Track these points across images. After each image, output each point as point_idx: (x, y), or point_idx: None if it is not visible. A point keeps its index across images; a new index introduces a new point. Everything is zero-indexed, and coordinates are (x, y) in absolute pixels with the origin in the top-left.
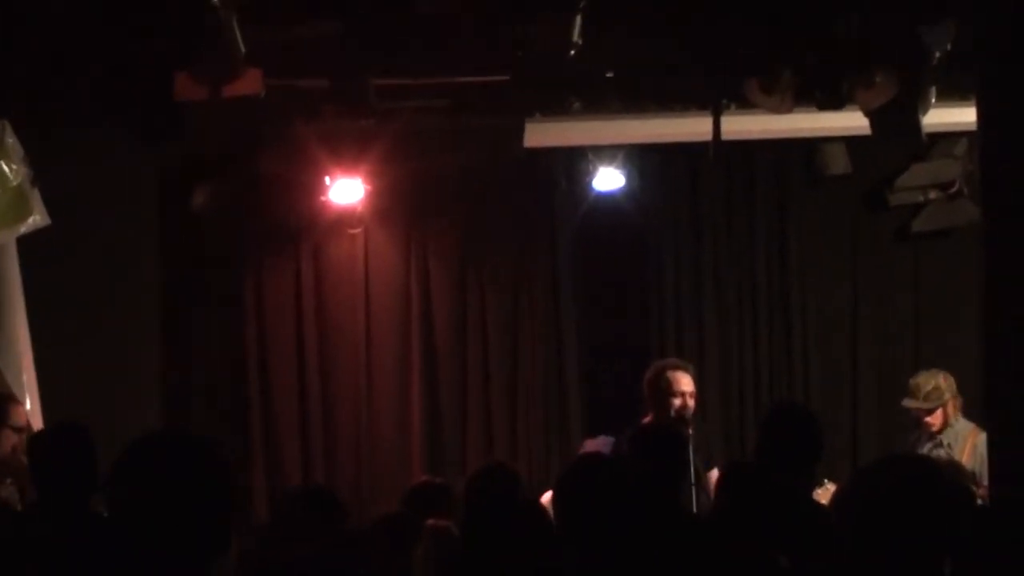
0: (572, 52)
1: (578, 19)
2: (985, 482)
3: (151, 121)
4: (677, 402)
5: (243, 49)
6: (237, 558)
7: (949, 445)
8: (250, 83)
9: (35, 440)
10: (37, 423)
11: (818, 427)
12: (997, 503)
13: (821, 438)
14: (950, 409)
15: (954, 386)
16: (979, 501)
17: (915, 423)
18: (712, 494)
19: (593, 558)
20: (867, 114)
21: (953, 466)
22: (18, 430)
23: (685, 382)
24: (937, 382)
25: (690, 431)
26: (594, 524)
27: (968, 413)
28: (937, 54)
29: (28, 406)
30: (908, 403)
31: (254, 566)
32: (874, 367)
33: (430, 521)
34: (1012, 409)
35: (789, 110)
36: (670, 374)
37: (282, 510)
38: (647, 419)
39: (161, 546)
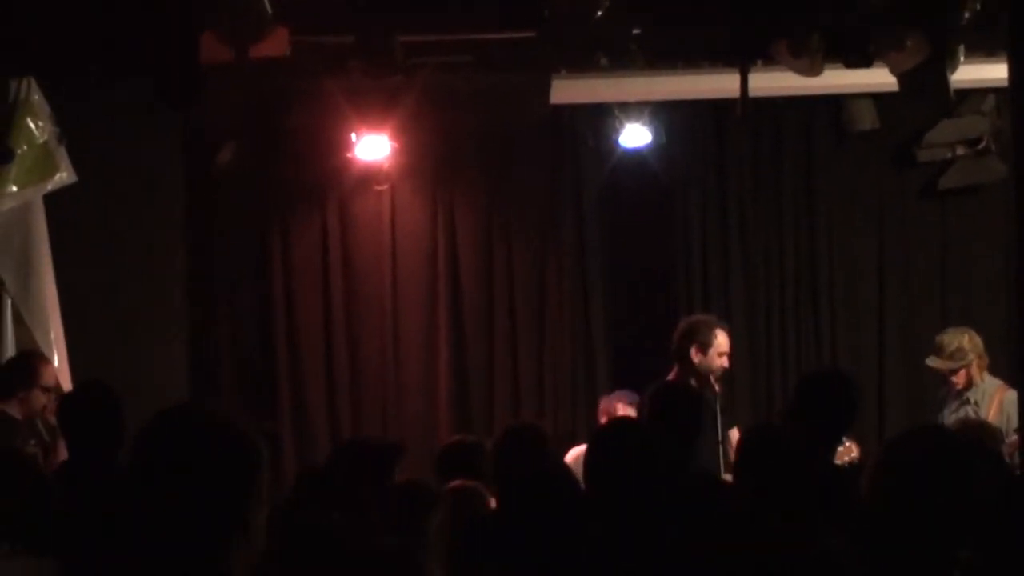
0: (599, 11)
1: None
2: (1012, 437)
3: (176, 82)
4: (721, 362)
5: (269, 11)
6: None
7: (976, 403)
8: (277, 44)
9: (64, 401)
10: (65, 381)
11: (856, 392)
12: None
13: (857, 403)
14: (974, 369)
15: (980, 345)
16: (1006, 457)
17: (943, 380)
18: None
19: (620, 522)
20: (896, 75)
21: (981, 429)
22: (47, 390)
23: (725, 342)
24: (961, 341)
25: (717, 390)
26: (623, 490)
27: (995, 370)
28: (967, 14)
29: (56, 364)
30: (932, 362)
31: (284, 523)
32: (901, 324)
33: (455, 483)
34: None
35: (819, 73)
36: (720, 333)
37: (332, 463)
38: (672, 375)
39: (182, 521)
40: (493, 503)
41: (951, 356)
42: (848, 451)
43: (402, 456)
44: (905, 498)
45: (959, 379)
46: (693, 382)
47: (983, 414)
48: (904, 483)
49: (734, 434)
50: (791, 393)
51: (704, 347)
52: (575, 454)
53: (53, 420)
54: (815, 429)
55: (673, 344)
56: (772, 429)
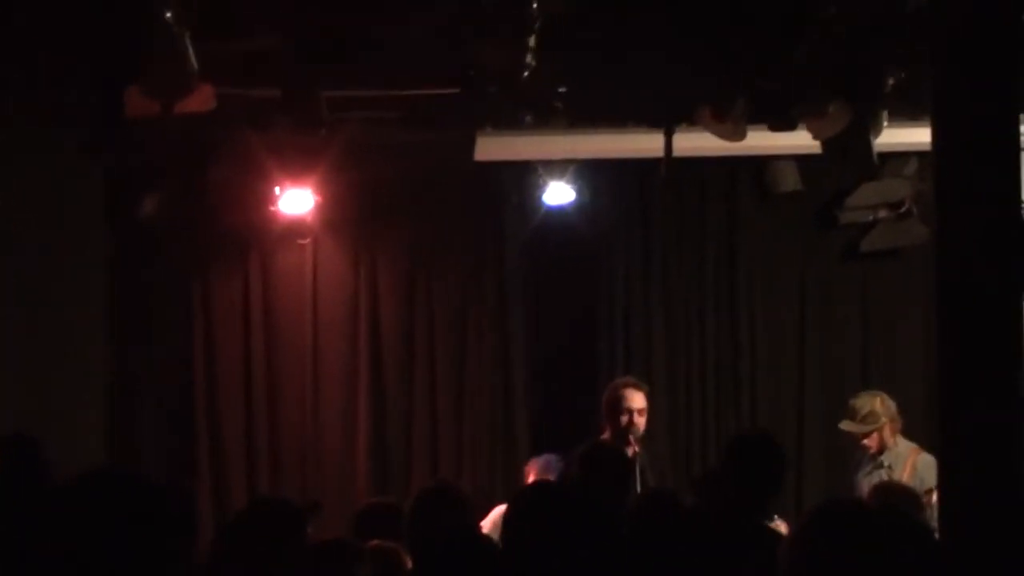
0: (525, 73)
1: (532, 41)
2: (930, 497)
3: (99, 134)
4: (624, 419)
5: (196, 66)
6: None
7: (890, 466)
8: (202, 99)
9: None
10: None
11: (782, 457)
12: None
13: (783, 468)
14: (886, 432)
15: (892, 409)
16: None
17: (857, 444)
18: None
19: None
20: (819, 140)
21: (903, 496)
22: None
23: (636, 399)
24: (873, 405)
25: (636, 450)
26: (544, 556)
27: (913, 433)
28: (890, 80)
29: None
30: (845, 425)
31: None
32: (821, 385)
33: (374, 542)
34: (962, 430)
35: (742, 137)
36: (622, 391)
37: (240, 522)
38: (604, 435)
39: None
40: (410, 564)
41: (863, 420)
42: (777, 528)
43: (316, 514)
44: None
45: (871, 442)
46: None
47: (896, 477)
48: (819, 561)
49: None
50: (721, 453)
51: (613, 410)
52: (494, 516)
53: None
54: (744, 491)
55: (602, 408)
56: (665, 494)
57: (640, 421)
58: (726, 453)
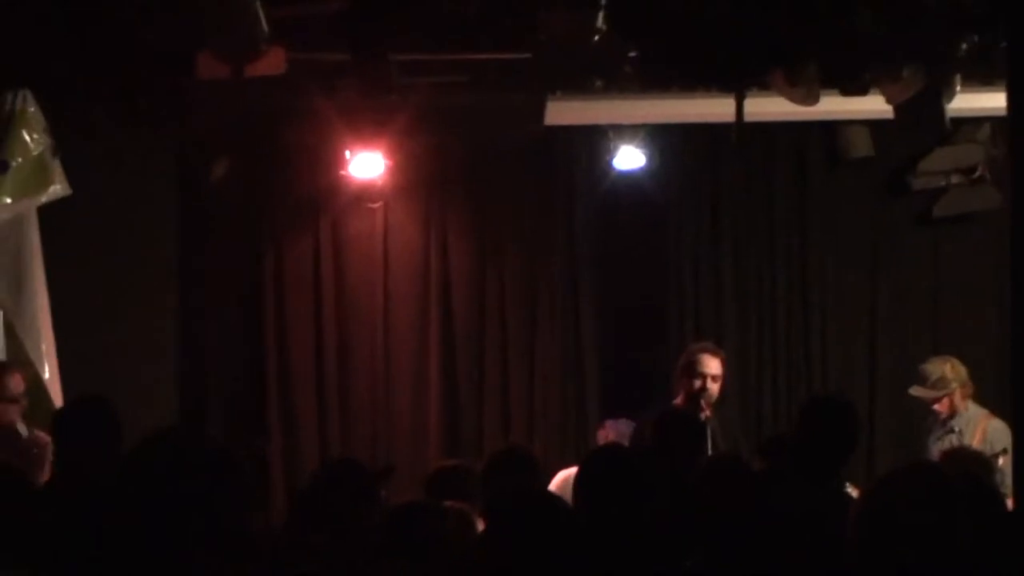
0: (595, 35)
1: (602, 4)
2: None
3: (170, 99)
4: (697, 383)
5: (267, 30)
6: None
7: (960, 431)
8: (273, 62)
9: (62, 413)
10: (56, 394)
11: (857, 421)
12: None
13: (858, 432)
14: (957, 397)
15: (963, 374)
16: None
17: (927, 409)
18: None
19: (610, 550)
20: (892, 105)
21: (975, 461)
22: (13, 400)
23: (711, 365)
24: (944, 371)
25: (708, 414)
26: (613, 518)
27: (984, 399)
28: (964, 45)
29: (47, 375)
30: (915, 391)
31: (277, 552)
32: (892, 352)
33: (447, 503)
34: None
35: (815, 102)
36: (698, 355)
37: (314, 486)
38: (677, 400)
39: (169, 540)
40: (480, 527)
41: (934, 385)
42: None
43: (389, 478)
44: (893, 544)
45: (942, 407)
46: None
47: (967, 442)
48: (893, 529)
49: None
50: (795, 419)
51: (687, 374)
52: (563, 477)
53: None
54: (818, 455)
55: (676, 372)
56: (733, 458)
57: (714, 387)
58: (802, 415)
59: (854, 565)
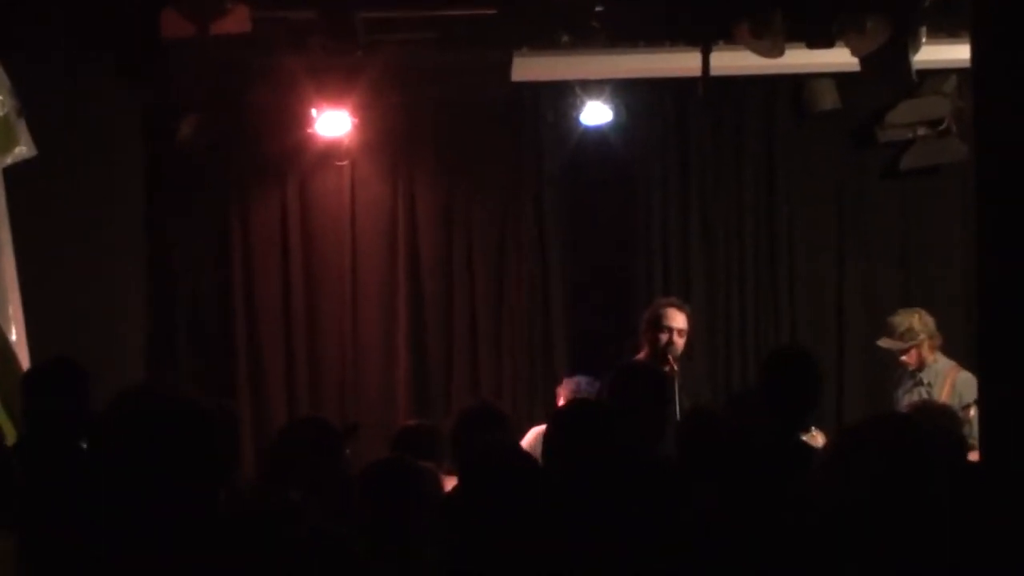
0: None
1: None
2: (969, 411)
3: (136, 57)
4: (664, 337)
5: None
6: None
7: (929, 384)
8: (238, 20)
9: (30, 375)
10: (24, 357)
11: (818, 370)
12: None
13: (820, 381)
14: (925, 349)
15: (931, 325)
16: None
17: (896, 361)
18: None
19: (579, 499)
20: (858, 56)
21: (942, 414)
22: None
23: (676, 319)
24: (911, 322)
25: (675, 369)
26: (582, 468)
27: (951, 350)
28: None
29: (14, 337)
30: (883, 342)
31: (248, 505)
32: (861, 305)
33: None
34: (1003, 346)
35: (780, 54)
36: (664, 309)
37: (280, 443)
38: (641, 355)
39: (143, 497)
40: (448, 486)
41: (901, 336)
42: (813, 439)
43: (354, 435)
44: (861, 495)
45: (910, 359)
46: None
47: (935, 394)
48: (860, 479)
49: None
50: (757, 371)
51: (652, 327)
52: (534, 434)
53: None
54: (781, 407)
55: (641, 326)
56: (707, 412)
57: (679, 341)
58: (762, 368)
59: (817, 514)
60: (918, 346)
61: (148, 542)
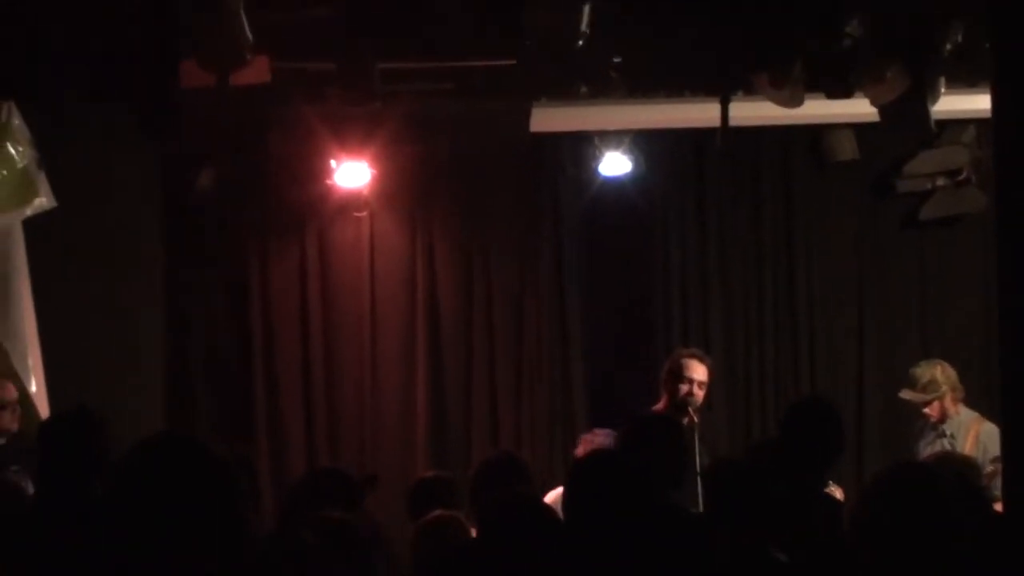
0: (580, 41)
1: (587, 8)
2: (989, 468)
3: (154, 109)
4: (684, 388)
5: (250, 38)
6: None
7: (952, 435)
8: (258, 71)
9: (48, 425)
10: (43, 406)
11: (840, 421)
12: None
13: (843, 431)
14: (948, 401)
15: (953, 377)
16: (987, 487)
17: (918, 413)
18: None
19: (599, 557)
20: (876, 106)
21: (962, 464)
22: (4, 406)
23: (697, 370)
24: (934, 374)
25: (695, 420)
26: (601, 519)
27: (972, 402)
28: (948, 45)
29: (34, 388)
30: (905, 394)
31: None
32: (880, 356)
33: (435, 513)
34: None
35: (799, 104)
36: (684, 360)
37: (297, 493)
38: (659, 405)
39: (162, 548)
40: (473, 534)
41: (924, 388)
42: (832, 494)
43: (373, 486)
44: (887, 536)
45: (932, 411)
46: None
47: (959, 446)
48: (886, 521)
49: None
50: (780, 422)
51: (675, 378)
52: (555, 495)
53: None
54: (803, 458)
55: (662, 376)
56: (733, 463)
57: (699, 393)
58: (785, 418)
59: (852, 565)
60: (940, 398)
61: None
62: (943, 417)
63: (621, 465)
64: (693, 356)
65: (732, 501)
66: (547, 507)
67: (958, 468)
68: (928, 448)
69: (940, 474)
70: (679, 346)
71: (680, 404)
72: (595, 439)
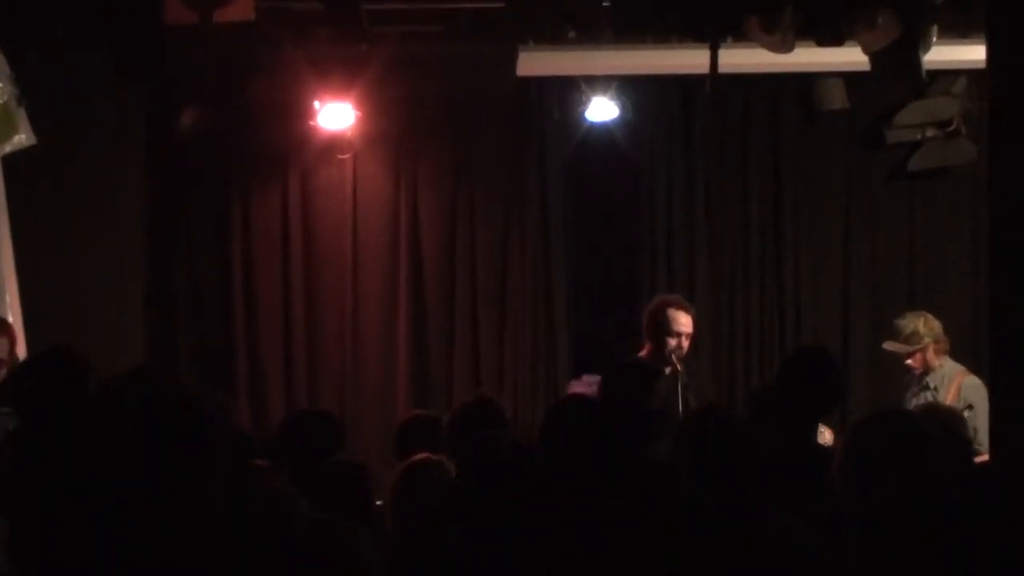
0: None
1: None
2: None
3: (136, 48)
4: (672, 342)
5: None
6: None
7: (935, 388)
8: (241, 8)
9: (24, 365)
10: (21, 345)
11: (837, 372)
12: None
13: (839, 383)
14: (930, 353)
15: (937, 329)
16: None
17: (904, 366)
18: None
19: (576, 503)
20: (868, 54)
21: (948, 416)
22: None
23: (684, 322)
24: (917, 325)
25: (679, 369)
26: (576, 467)
27: (958, 354)
28: None
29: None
30: (889, 345)
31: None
32: (867, 307)
33: (418, 456)
34: (1016, 354)
35: (790, 49)
36: (671, 312)
37: (278, 434)
38: (644, 351)
39: (134, 483)
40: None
41: (906, 339)
42: (821, 436)
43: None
44: (870, 484)
45: (915, 362)
46: (656, 361)
47: (941, 398)
48: (869, 469)
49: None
50: (777, 370)
51: (655, 327)
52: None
53: None
54: (797, 407)
55: (643, 322)
56: (711, 412)
57: (686, 345)
58: (782, 367)
59: (837, 509)
60: (923, 350)
61: (138, 530)
62: (926, 369)
63: (593, 411)
64: (679, 307)
65: (711, 452)
66: (524, 446)
67: (942, 419)
68: (913, 401)
69: (921, 422)
70: (685, 289)
71: (666, 356)
72: (579, 386)
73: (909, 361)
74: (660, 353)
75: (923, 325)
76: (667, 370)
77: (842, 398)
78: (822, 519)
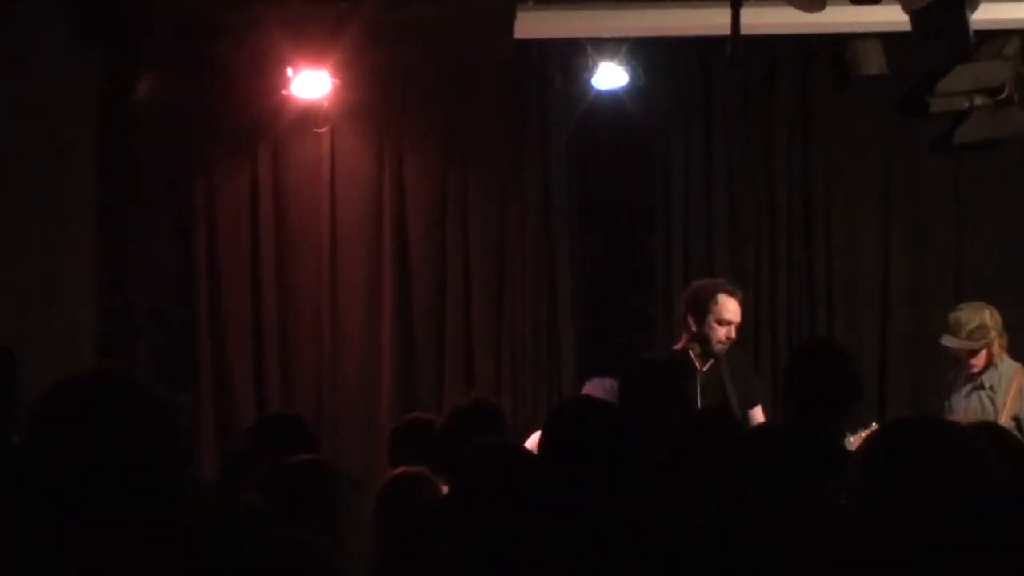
0: None
1: None
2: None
3: (92, 11)
4: (722, 332)
5: None
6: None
7: (992, 387)
8: None
9: None
10: None
11: (849, 368)
12: None
13: (856, 378)
14: (995, 348)
15: (1000, 322)
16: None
17: (954, 361)
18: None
19: (575, 508)
20: (908, 12)
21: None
22: None
23: (734, 309)
24: (982, 318)
25: (721, 363)
26: (578, 472)
27: (1012, 349)
28: None
29: None
30: (949, 342)
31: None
32: (906, 296)
33: (399, 470)
34: None
35: (821, 8)
36: (721, 297)
37: (246, 443)
38: (680, 344)
39: (87, 496)
40: (444, 490)
41: (971, 335)
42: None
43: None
44: (891, 503)
45: (979, 361)
46: (695, 352)
47: (999, 399)
48: (890, 486)
49: (756, 412)
50: (783, 370)
51: (701, 315)
52: (533, 440)
53: None
54: (813, 408)
55: (682, 309)
56: (721, 412)
57: (735, 335)
58: (786, 364)
59: (849, 514)
60: (989, 345)
61: (86, 542)
62: (987, 366)
63: (600, 412)
64: (729, 292)
65: (712, 452)
66: (525, 454)
67: (995, 438)
68: (964, 402)
69: (970, 436)
70: (681, 285)
71: (712, 346)
72: (600, 388)
73: (973, 360)
74: (705, 344)
75: (989, 318)
76: (707, 364)
77: (854, 396)
78: (831, 532)
